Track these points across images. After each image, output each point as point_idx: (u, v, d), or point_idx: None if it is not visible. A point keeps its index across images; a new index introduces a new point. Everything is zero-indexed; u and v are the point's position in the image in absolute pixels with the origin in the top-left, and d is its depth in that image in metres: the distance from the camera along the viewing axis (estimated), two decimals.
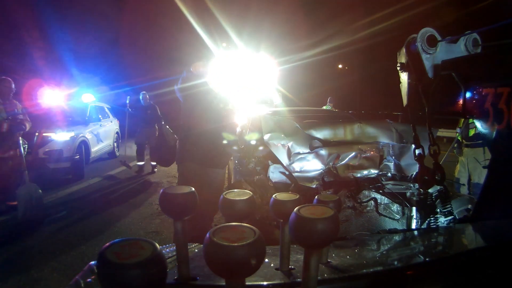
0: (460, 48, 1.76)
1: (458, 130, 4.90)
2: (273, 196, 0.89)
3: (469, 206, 2.27)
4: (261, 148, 3.45)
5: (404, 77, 1.97)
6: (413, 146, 1.94)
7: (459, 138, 4.80)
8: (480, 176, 4.34)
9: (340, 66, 32.25)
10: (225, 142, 2.98)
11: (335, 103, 11.23)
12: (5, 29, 16.49)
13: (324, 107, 10.45)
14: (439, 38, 1.73)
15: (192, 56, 3.19)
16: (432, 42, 1.72)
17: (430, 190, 2.18)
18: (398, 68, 1.96)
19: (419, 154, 1.88)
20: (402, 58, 1.91)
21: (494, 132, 1.42)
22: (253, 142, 3.87)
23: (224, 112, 2.96)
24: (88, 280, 0.81)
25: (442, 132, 12.25)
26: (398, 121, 4.34)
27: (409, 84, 1.94)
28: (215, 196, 2.98)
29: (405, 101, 2.02)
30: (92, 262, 0.86)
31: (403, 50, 1.87)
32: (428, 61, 1.74)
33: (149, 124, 7.97)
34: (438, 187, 2.21)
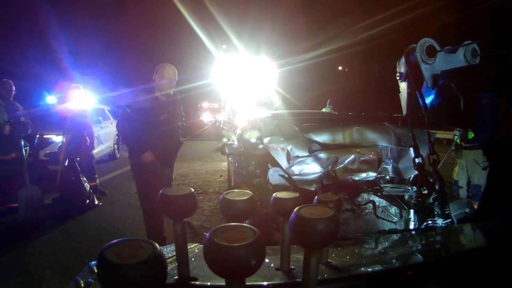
0: (459, 58, 1.76)
1: (456, 132, 4.90)
2: (273, 194, 0.90)
3: (467, 210, 2.27)
4: (260, 146, 3.45)
5: (403, 86, 1.98)
6: (413, 154, 1.94)
7: (457, 141, 4.80)
8: (480, 178, 4.34)
9: (340, 68, 32.32)
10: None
11: (335, 105, 11.25)
12: (5, 32, 16.54)
13: (324, 109, 10.47)
14: (438, 48, 1.73)
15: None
16: (431, 52, 1.72)
17: None
18: (397, 78, 1.96)
19: (419, 163, 1.88)
20: (401, 68, 1.91)
21: (492, 143, 1.42)
22: (252, 144, 3.88)
23: (166, 120, 3.34)
24: (88, 280, 0.81)
25: (442, 134, 12.26)
26: (398, 124, 4.35)
27: (408, 93, 1.94)
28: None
29: (404, 111, 2.03)
30: (92, 262, 0.86)
31: (402, 60, 1.87)
32: (427, 71, 1.74)
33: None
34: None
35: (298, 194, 0.90)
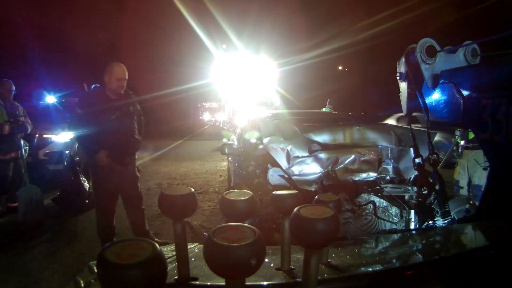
0: (459, 58, 1.76)
1: (457, 133, 4.91)
2: (273, 192, 0.90)
3: (467, 206, 2.27)
4: (260, 146, 3.45)
5: (403, 86, 1.98)
6: (413, 154, 1.94)
7: (458, 141, 4.80)
8: (481, 178, 4.33)
9: (340, 67, 32.34)
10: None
11: (335, 104, 11.26)
12: (4, 32, 16.53)
13: (324, 109, 10.47)
14: (438, 48, 1.73)
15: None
16: (431, 52, 1.72)
17: None
18: (398, 78, 1.96)
19: (419, 163, 1.88)
20: (402, 68, 1.91)
21: (492, 143, 1.42)
22: (252, 144, 3.87)
23: (118, 120, 3.39)
24: (87, 280, 0.81)
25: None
26: (397, 124, 4.36)
27: (408, 93, 1.94)
28: (131, 187, 3.53)
29: (404, 111, 2.03)
30: (92, 262, 0.86)
31: (403, 60, 1.87)
32: (427, 71, 1.74)
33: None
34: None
35: (297, 192, 0.91)
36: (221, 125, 19.92)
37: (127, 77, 3.41)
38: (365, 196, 2.66)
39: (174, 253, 0.88)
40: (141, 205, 3.68)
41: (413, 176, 3.01)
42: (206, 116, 37.91)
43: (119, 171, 3.42)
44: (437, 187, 1.93)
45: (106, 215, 3.50)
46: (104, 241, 3.52)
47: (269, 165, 3.15)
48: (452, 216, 2.03)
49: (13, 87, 5.00)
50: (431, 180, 1.94)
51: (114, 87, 3.36)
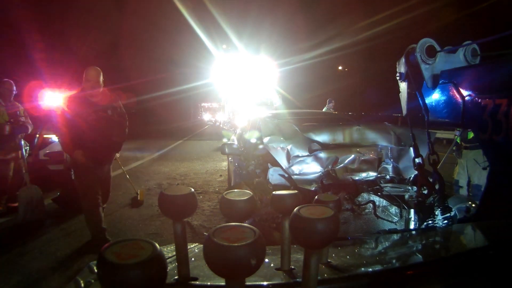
0: (459, 58, 1.76)
1: (456, 132, 4.91)
2: (273, 192, 0.91)
3: (467, 205, 2.27)
4: (260, 146, 3.46)
5: (403, 86, 1.98)
6: (413, 154, 1.94)
7: (458, 141, 4.81)
8: (480, 178, 4.34)
9: (340, 68, 32.35)
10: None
11: (335, 104, 11.25)
12: (5, 31, 16.54)
13: (324, 109, 10.46)
14: (438, 48, 1.73)
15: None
16: (431, 52, 1.72)
17: None
18: (397, 78, 1.96)
19: (419, 163, 1.88)
20: (402, 68, 1.91)
21: (492, 143, 1.42)
22: (252, 144, 3.88)
23: (96, 121, 3.58)
24: (87, 280, 0.81)
25: (442, 134, 12.24)
26: (398, 124, 4.35)
27: (408, 93, 1.94)
28: (104, 185, 3.81)
29: (404, 111, 2.03)
30: (92, 262, 0.86)
31: (403, 60, 1.87)
32: (427, 71, 1.74)
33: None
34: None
35: (296, 192, 0.91)
36: (221, 125, 19.94)
37: (98, 79, 3.59)
38: (365, 195, 2.66)
39: (174, 253, 0.88)
40: (103, 204, 3.96)
41: (412, 175, 3.01)
42: (206, 116, 37.96)
43: (95, 168, 3.65)
44: (437, 187, 1.94)
45: (93, 210, 3.66)
46: (97, 237, 3.67)
47: (269, 165, 3.15)
48: (454, 212, 2.03)
49: (14, 87, 5.01)
50: (431, 180, 1.94)
51: (88, 90, 3.56)
